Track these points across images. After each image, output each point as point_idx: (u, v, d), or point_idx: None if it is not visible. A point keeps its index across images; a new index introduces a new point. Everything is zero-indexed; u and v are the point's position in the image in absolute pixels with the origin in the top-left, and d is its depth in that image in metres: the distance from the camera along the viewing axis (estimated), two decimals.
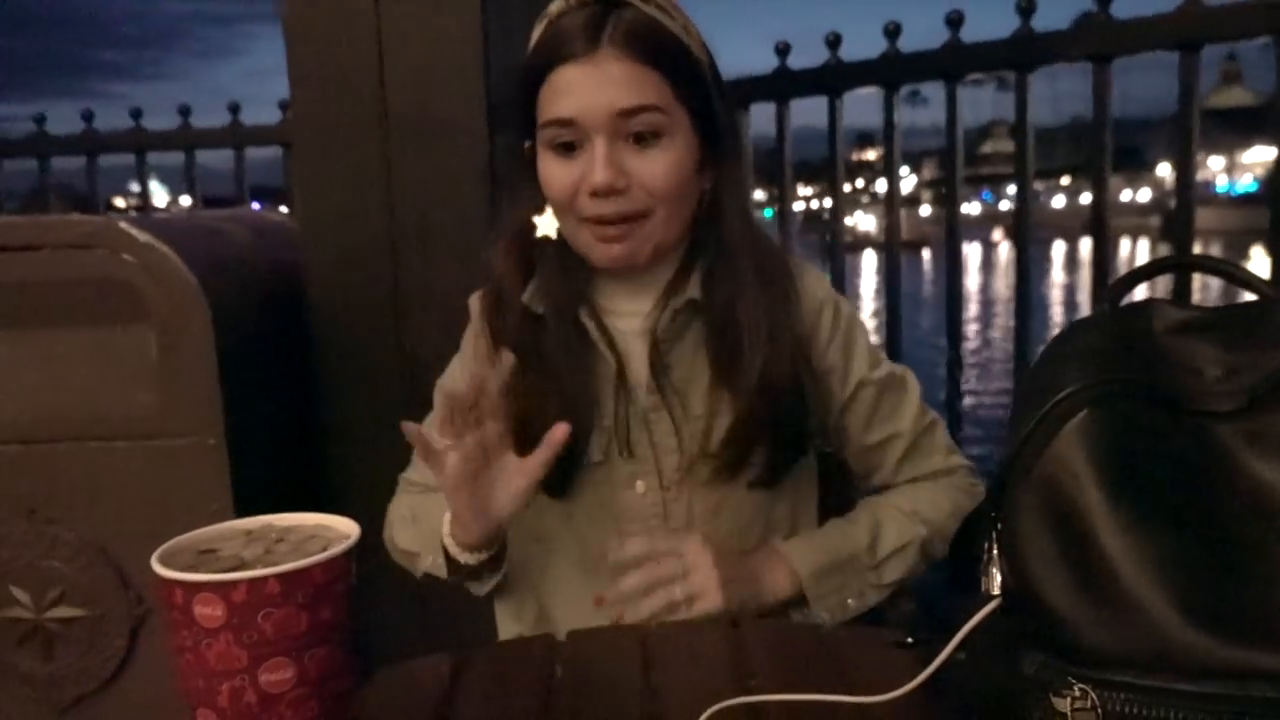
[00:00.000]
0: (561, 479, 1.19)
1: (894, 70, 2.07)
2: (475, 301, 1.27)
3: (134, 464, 1.59)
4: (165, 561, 0.62)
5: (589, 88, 1.07)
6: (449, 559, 1.15)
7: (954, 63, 1.99)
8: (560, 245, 1.17)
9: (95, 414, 1.59)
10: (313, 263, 1.85)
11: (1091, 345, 0.69)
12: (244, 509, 0.70)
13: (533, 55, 1.12)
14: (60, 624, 1.62)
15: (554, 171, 1.11)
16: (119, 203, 3.72)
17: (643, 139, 1.09)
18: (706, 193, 1.16)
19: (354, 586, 0.66)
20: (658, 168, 1.09)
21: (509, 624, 1.30)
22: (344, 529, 0.68)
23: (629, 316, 1.19)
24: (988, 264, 39.09)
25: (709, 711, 0.78)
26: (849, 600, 1.17)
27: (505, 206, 1.23)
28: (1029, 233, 2.00)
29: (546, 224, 1.17)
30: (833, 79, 2.15)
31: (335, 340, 1.85)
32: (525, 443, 1.15)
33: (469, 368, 1.25)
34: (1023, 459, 0.64)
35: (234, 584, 0.60)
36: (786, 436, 1.17)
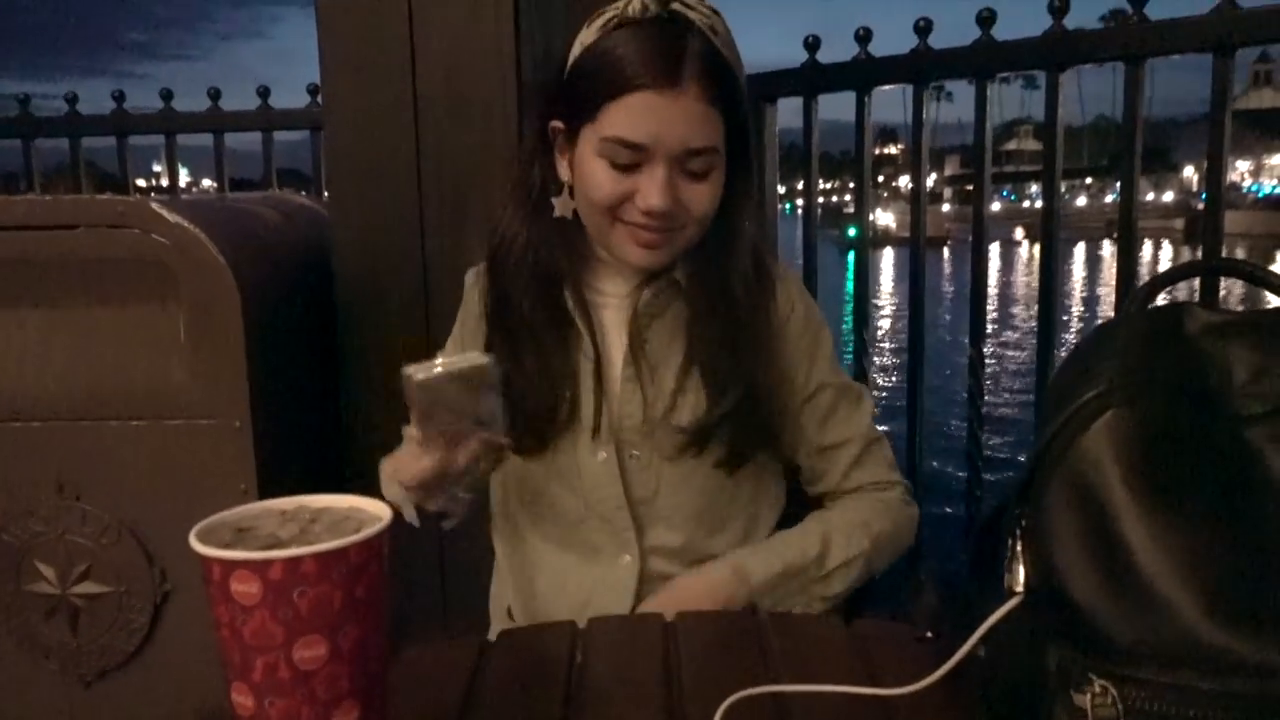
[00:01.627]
0: (535, 440, 1.26)
1: (924, 67, 2.05)
2: (471, 277, 1.33)
3: (161, 443, 1.61)
4: (203, 539, 0.63)
5: (668, 121, 1.10)
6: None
7: (985, 61, 1.97)
8: (564, 223, 1.22)
9: (124, 392, 1.61)
10: (342, 245, 1.86)
11: (1121, 345, 0.70)
12: (269, 490, 0.71)
13: (611, 63, 1.11)
14: (85, 599, 1.65)
15: (605, 179, 1.14)
16: (140, 184, 3.75)
17: (695, 172, 1.14)
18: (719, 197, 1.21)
19: (387, 568, 0.67)
20: (704, 197, 1.16)
21: (500, 587, 1.38)
22: (377, 511, 0.69)
23: (613, 296, 1.25)
24: (1008, 262, 38.90)
25: (729, 700, 0.79)
26: (794, 610, 1.20)
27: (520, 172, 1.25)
28: (1057, 233, 1.99)
29: (564, 206, 1.21)
30: (862, 74, 2.14)
31: (364, 323, 1.86)
32: (509, 403, 1.21)
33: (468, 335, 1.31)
34: (1050, 454, 0.65)
35: (270, 562, 0.61)
36: (751, 424, 1.22)
